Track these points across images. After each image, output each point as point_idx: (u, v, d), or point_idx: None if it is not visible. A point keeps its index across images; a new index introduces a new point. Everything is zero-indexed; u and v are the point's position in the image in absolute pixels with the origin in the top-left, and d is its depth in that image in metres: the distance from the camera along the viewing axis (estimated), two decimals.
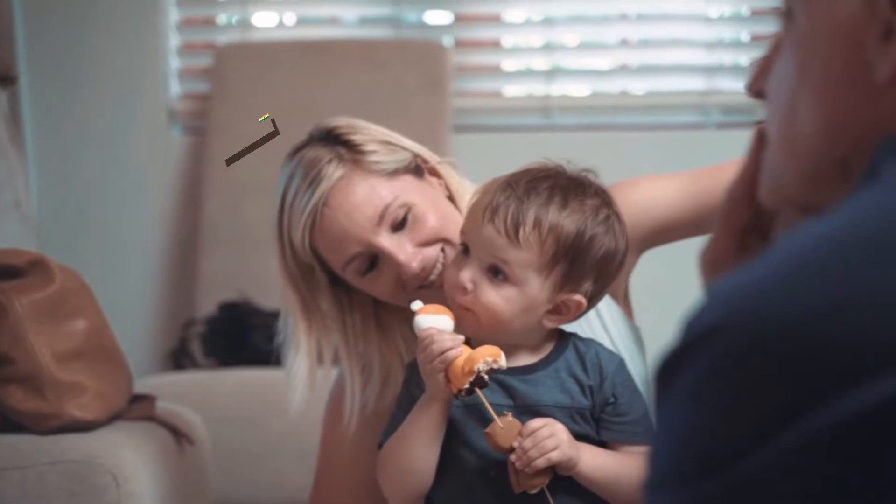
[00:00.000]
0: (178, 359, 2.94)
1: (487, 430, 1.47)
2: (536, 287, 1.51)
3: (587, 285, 1.53)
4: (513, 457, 1.46)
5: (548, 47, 3.40)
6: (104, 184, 3.42)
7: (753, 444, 0.67)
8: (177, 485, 2.00)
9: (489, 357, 1.46)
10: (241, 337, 2.83)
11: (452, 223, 1.65)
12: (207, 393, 2.63)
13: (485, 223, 1.49)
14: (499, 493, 1.50)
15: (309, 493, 1.86)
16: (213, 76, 3.36)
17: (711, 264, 0.88)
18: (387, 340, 1.73)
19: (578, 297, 1.53)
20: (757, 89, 0.86)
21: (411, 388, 1.57)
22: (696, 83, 3.34)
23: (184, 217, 3.37)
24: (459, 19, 3.44)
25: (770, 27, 3.34)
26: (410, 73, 3.23)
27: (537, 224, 1.49)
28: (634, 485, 1.52)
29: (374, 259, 1.64)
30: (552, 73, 3.38)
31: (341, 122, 1.71)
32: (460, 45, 3.40)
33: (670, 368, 0.71)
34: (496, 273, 1.51)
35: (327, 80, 3.27)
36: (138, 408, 2.01)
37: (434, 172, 1.71)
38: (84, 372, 1.91)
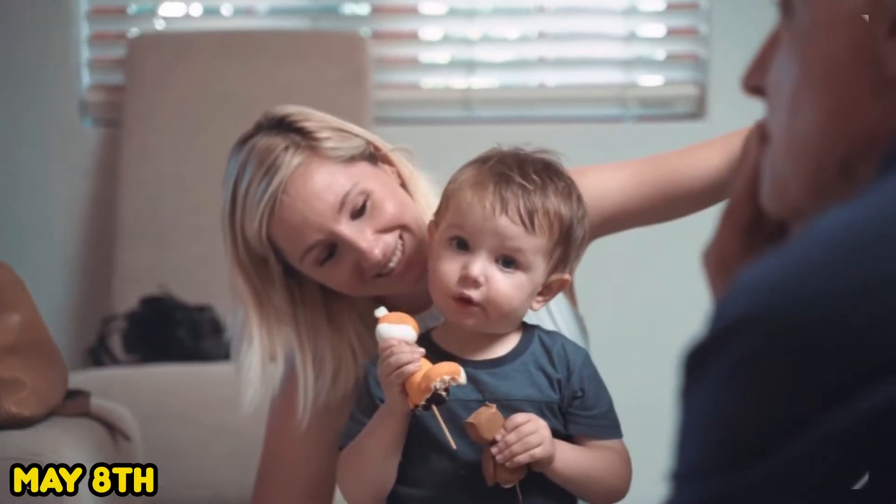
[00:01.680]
0: (97, 355, 2.91)
1: (471, 419, 1.47)
2: (541, 271, 1.54)
3: (571, 264, 1.58)
4: (494, 449, 1.47)
5: (467, 40, 3.42)
6: (15, 177, 3.36)
7: (789, 433, 0.68)
8: None
9: (447, 375, 1.46)
10: (164, 332, 2.81)
11: (409, 209, 1.66)
12: (133, 389, 2.61)
13: (497, 216, 1.50)
14: (469, 491, 1.51)
15: (253, 488, 1.84)
16: (127, 67, 3.32)
17: (717, 263, 0.89)
18: (338, 333, 1.71)
19: (566, 276, 1.57)
20: (753, 85, 0.85)
21: (371, 388, 1.57)
22: (614, 77, 3.39)
23: (99, 210, 3.33)
24: (376, 11, 3.45)
25: (685, 21, 3.41)
26: (330, 65, 3.23)
27: (546, 211, 1.52)
28: (605, 481, 1.55)
29: (332, 248, 1.63)
30: (472, 66, 3.41)
31: (292, 109, 1.69)
32: (378, 37, 3.41)
33: (699, 358, 0.72)
34: (507, 263, 1.52)
35: (245, 72, 3.25)
36: (73, 404, 1.99)
37: (386, 160, 1.71)
38: (20, 367, 1.89)
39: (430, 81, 3.49)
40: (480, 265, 1.51)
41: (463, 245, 1.53)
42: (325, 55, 3.24)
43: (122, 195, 3.19)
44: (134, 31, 3.41)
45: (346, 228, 1.61)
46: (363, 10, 3.47)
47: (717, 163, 1.74)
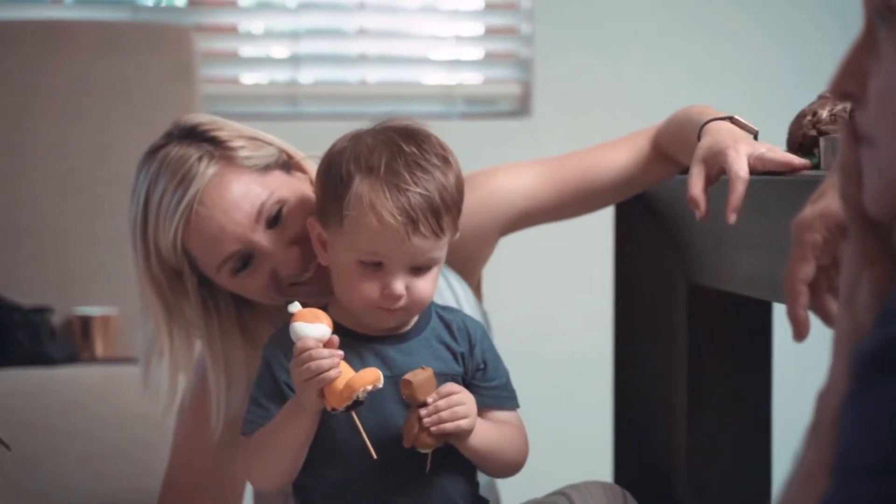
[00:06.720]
0: None
1: (408, 377, 1.56)
2: (445, 252, 1.64)
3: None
4: (423, 411, 1.55)
5: (292, 34, 3.47)
6: None
7: None
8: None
9: (369, 384, 1.53)
10: (1, 336, 2.75)
11: None
12: None
13: (411, 237, 1.56)
14: (376, 466, 1.58)
15: (158, 497, 1.87)
16: None
17: (872, 266, 0.89)
18: (252, 343, 1.75)
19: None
20: (845, 91, 0.88)
21: (276, 372, 1.62)
22: (439, 74, 3.52)
23: None
24: (193, 3, 3.46)
25: (507, 20, 3.55)
26: (155, 59, 3.22)
27: (447, 207, 1.59)
28: (508, 455, 1.65)
29: (247, 258, 1.68)
30: (297, 61, 3.46)
31: (203, 118, 1.74)
32: (198, 30, 3.42)
33: (884, 357, 0.74)
34: (420, 267, 1.60)
35: (61, 65, 3.20)
36: None
37: (299, 168, 1.77)
38: None
39: (254, 76, 3.52)
40: (401, 283, 1.59)
41: (376, 264, 1.59)
42: (149, 48, 3.23)
43: None
44: None
45: (264, 238, 1.67)
46: (180, 1, 3.47)
47: (625, 160, 1.88)
